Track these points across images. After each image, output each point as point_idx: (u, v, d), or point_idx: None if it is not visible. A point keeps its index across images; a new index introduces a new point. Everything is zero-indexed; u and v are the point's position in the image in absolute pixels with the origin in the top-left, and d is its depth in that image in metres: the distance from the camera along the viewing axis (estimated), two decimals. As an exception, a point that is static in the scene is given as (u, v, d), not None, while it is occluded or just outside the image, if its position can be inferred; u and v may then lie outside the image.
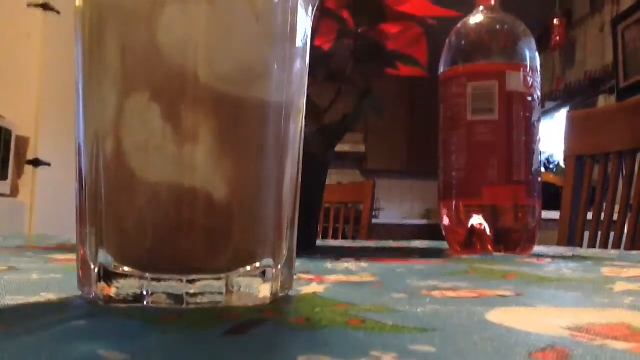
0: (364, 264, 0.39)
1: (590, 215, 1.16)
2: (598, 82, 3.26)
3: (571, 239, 1.15)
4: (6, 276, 0.30)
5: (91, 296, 0.21)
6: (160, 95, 0.20)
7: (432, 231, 4.51)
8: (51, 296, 0.23)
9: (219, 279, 0.21)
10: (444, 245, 0.82)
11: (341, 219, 1.91)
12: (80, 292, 0.22)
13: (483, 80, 0.65)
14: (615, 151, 1.10)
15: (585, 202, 1.13)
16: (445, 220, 0.68)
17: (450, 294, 0.25)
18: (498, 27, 0.69)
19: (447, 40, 0.71)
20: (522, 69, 0.66)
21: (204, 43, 0.20)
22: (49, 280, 0.28)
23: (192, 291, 0.20)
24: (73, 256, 0.46)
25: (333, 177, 4.25)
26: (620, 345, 0.14)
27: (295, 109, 0.23)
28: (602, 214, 1.14)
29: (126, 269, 0.21)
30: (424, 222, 4.75)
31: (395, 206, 5.00)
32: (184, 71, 0.20)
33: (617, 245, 1.08)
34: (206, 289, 0.20)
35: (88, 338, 0.14)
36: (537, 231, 0.68)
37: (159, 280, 0.20)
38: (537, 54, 0.68)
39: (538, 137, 0.67)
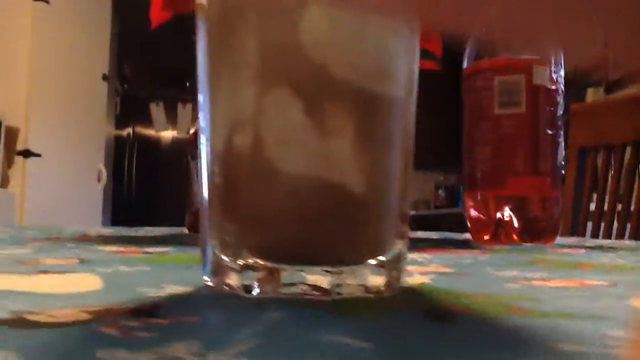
0: (426, 255, 0.40)
1: (593, 206, 1.17)
2: (586, 74, 3.31)
3: (574, 229, 1.17)
4: (92, 268, 0.30)
5: (225, 288, 0.22)
6: (301, 91, 0.21)
7: (424, 221, 4.55)
8: (176, 288, 0.23)
9: (357, 270, 0.21)
10: (459, 235, 0.83)
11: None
12: (208, 284, 0.22)
13: (510, 74, 0.66)
14: (617, 143, 1.13)
15: (588, 193, 1.15)
16: (471, 212, 0.69)
17: (554, 283, 0.26)
18: (522, 21, 0.70)
19: (472, 35, 0.72)
20: (547, 64, 0.67)
21: (345, 39, 0.21)
22: (148, 272, 0.28)
23: (336, 282, 0.21)
24: (125, 247, 0.46)
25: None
26: None
27: (413, 103, 0.24)
28: (605, 205, 1.16)
29: (264, 261, 0.21)
30: (413, 212, 4.78)
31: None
32: (326, 66, 0.21)
33: (620, 236, 1.10)
34: (347, 279, 0.21)
35: (302, 327, 0.15)
36: (560, 222, 0.69)
37: (300, 271, 0.21)
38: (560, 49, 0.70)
39: (561, 131, 0.68)
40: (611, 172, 1.14)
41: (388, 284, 0.22)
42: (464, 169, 0.71)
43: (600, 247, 0.59)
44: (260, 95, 0.21)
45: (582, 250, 0.54)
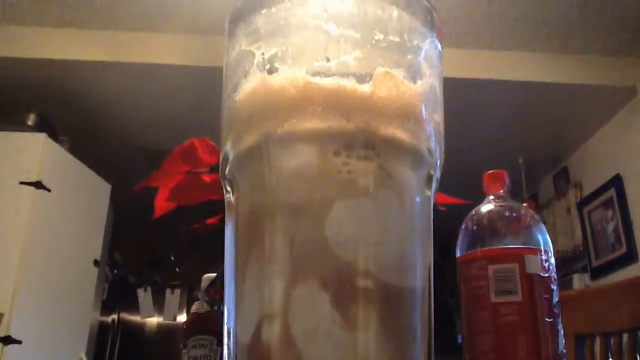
0: None
1: (597, 398, 1.13)
2: (571, 262, 3.37)
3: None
4: None
5: None
6: (329, 284, 0.22)
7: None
8: None
9: None
10: None
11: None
12: None
13: (503, 263, 0.68)
14: (613, 330, 1.12)
15: (591, 383, 1.12)
16: (477, 405, 0.67)
17: None
18: (511, 214, 0.74)
19: (463, 226, 0.75)
20: (538, 253, 0.69)
21: (369, 237, 0.23)
22: None
23: None
24: None
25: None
26: None
27: (431, 293, 0.25)
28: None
29: None
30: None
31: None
32: (352, 262, 0.22)
33: None
34: None
35: None
36: (568, 415, 0.67)
37: None
38: (548, 237, 0.73)
39: (559, 319, 0.69)
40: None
41: None
42: (465, 356, 0.70)
43: None
44: (289, 288, 0.22)
45: None
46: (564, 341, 0.71)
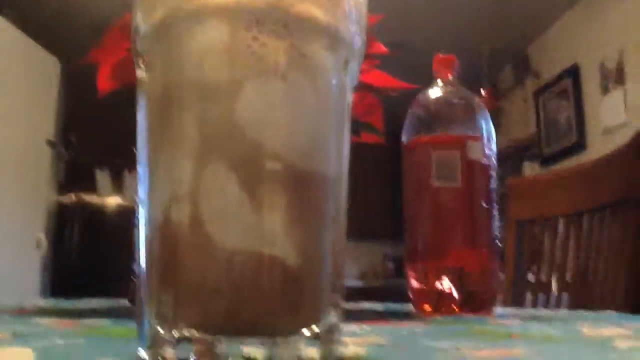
0: (365, 327, 0.41)
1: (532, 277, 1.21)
2: (523, 150, 3.47)
3: (515, 300, 1.19)
4: (26, 342, 0.29)
5: (159, 360, 0.22)
6: (237, 166, 0.22)
7: (367, 292, 4.55)
8: (110, 361, 0.23)
9: (291, 341, 0.22)
10: (402, 307, 0.83)
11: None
12: (143, 357, 0.22)
13: (446, 149, 0.70)
14: (552, 216, 1.17)
15: (527, 265, 1.19)
16: (413, 283, 0.70)
17: (484, 353, 0.27)
18: (457, 100, 0.74)
19: (409, 111, 0.76)
20: (480, 139, 0.70)
21: (279, 119, 0.22)
22: (82, 346, 0.28)
23: (270, 354, 0.21)
24: (62, 320, 0.45)
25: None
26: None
27: (345, 179, 0.25)
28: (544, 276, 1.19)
29: (200, 333, 0.21)
30: (359, 284, 4.77)
31: (329, 267, 5.01)
32: (261, 144, 0.22)
33: (557, 305, 1.13)
34: (281, 351, 0.21)
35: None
36: (497, 293, 0.71)
37: (234, 343, 0.21)
38: (492, 125, 0.74)
39: (495, 204, 0.71)
40: (547, 245, 1.18)
41: (322, 355, 0.23)
42: (405, 240, 0.72)
43: (536, 318, 0.61)
44: (198, 169, 0.22)
45: (518, 321, 0.55)
46: (498, 225, 0.73)
